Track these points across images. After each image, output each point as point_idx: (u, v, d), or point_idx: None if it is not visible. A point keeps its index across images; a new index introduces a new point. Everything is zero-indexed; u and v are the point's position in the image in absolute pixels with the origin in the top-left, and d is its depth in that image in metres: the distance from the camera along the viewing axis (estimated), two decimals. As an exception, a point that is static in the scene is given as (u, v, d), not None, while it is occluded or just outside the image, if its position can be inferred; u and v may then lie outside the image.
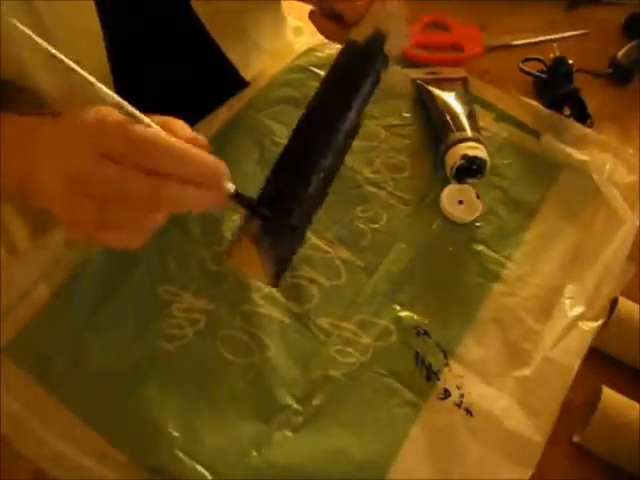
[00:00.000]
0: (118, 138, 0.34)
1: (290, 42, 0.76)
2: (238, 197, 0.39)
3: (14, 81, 0.50)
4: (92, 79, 0.34)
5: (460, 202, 0.61)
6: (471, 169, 0.61)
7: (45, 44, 0.34)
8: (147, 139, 0.34)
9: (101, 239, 0.37)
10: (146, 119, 0.35)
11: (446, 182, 0.63)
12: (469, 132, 0.63)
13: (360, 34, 0.48)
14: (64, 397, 0.49)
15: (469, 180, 0.62)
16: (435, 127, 0.66)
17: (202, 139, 0.37)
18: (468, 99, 0.68)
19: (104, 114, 0.35)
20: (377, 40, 0.48)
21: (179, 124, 0.37)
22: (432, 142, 0.66)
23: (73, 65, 0.34)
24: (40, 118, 0.41)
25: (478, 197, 0.61)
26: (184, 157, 0.35)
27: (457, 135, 0.63)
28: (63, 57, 0.34)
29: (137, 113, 0.35)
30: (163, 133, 0.35)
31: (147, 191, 0.35)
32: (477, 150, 0.61)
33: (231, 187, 0.38)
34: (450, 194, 0.62)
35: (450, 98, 0.68)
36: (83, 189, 0.35)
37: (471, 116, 0.66)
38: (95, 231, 0.37)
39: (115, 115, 0.35)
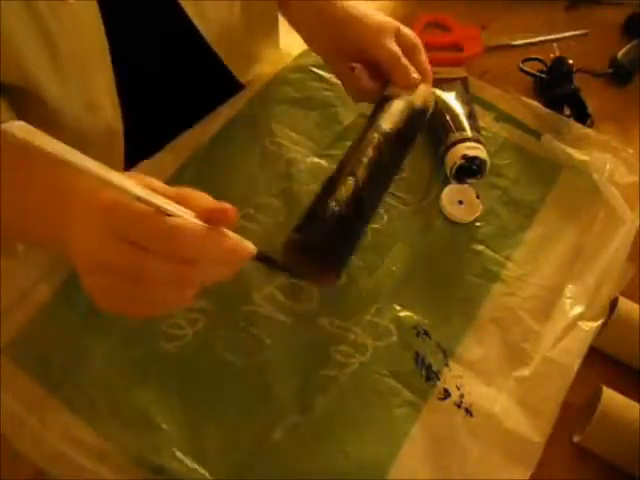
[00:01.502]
0: (144, 228, 0.33)
1: (285, 53, 0.76)
2: (260, 259, 0.39)
3: (15, 85, 0.49)
4: (112, 177, 0.32)
5: (460, 202, 0.61)
6: (471, 169, 0.61)
7: (59, 148, 0.30)
8: (175, 231, 0.33)
9: (132, 314, 0.38)
10: (170, 208, 0.34)
11: (446, 182, 0.63)
12: (469, 132, 0.63)
13: (414, 100, 0.55)
14: (64, 397, 0.49)
15: (469, 180, 0.62)
16: (435, 127, 0.66)
17: (227, 206, 0.35)
18: (468, 99, 0.68)
19: (126, 201, 0.33)
20: (424, 111, 0.56)
21: (198, 195, 0.36)
22: (432, 142, 0.66)
23: (94, 169, 0.31)
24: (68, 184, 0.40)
25: (478, 197, 0.61)
26: (211, 246, 0.35)
27: (457, 135, 0.63)
28: (79, 161, 0.30)
29: (161, 204, 0.33)
30: (190, 223, 0.34)
31: (172, 277, 0.35)
32: (477, 150, 0.61)
33: (253, 249, 0.38)
34: (450, 194, 0.62)
35: (450, 98, 0.67)
36: (107, 273, 0.35)
37: (471, 116, 0.66)
38: (125, 307, 0.36)
39: (138, 205, 0.33)
